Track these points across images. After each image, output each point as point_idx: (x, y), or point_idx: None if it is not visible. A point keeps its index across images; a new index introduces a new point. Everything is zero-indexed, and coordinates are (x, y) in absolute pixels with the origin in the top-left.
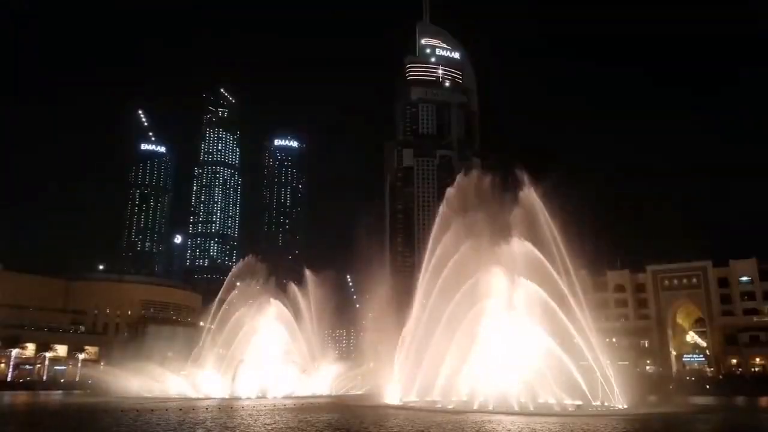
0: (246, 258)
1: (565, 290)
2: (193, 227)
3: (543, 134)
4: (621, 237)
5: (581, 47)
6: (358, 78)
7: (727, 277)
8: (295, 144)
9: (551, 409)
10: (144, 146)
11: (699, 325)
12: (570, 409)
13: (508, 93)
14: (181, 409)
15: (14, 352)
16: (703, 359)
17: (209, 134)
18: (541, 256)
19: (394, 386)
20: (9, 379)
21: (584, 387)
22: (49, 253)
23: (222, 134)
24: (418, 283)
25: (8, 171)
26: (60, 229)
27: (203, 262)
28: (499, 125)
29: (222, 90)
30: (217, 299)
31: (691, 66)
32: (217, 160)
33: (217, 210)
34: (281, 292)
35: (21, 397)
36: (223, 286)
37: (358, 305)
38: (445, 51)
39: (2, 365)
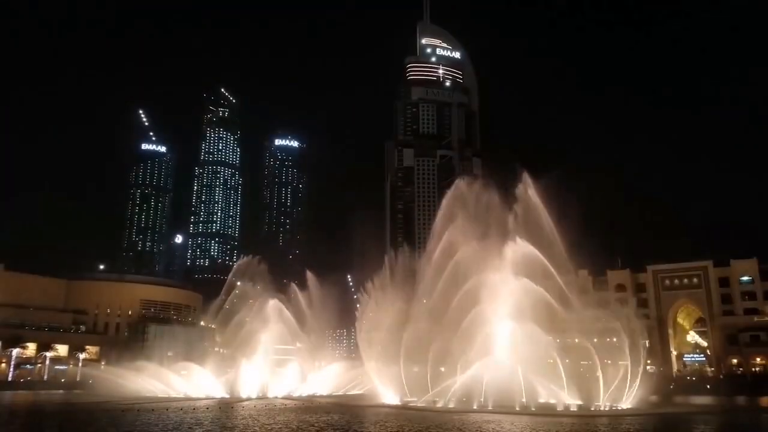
0: (245, 258)
1: (566, 290)
2: (194, 227)
3: (543, 134)
4: (622, 237)
5: (581, 47)
6: (359, 78)
7: (728, 277)
8: (295, 144)
9: (552, 409)
10: (145, 146)
11: (700, 324)
12: (572, 409)
13: (508, 93)
14: (181, 409)
15: (15, 351)
16: (704, 359)
17: (210, 134)
18: (542, 256)
19: (395, 386)
20: (10, 378)
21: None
22: (50, 253)
23: (222, 134)
24: (417, 279)
25: (9, 171)
26: (61, 229)
27: (204, 262)
28: (500, 125)
29: (222, 90)
30: (218, 299)
31: (693, 65)
32: (217, 159)
33: (217, 210)
34: (281, 292)
35: (22, 396)
36: (224, 287)
37: (358, 305)
38: (445, 51)
39: (3, 365)
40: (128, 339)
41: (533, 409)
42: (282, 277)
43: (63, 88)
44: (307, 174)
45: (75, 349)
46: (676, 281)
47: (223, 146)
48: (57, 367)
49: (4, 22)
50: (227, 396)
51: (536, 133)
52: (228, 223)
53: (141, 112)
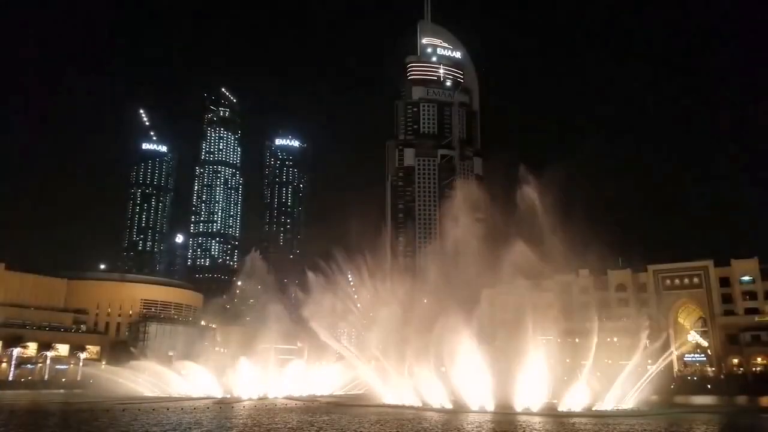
0: (253, 252)
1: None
2: (195, 226)
3: (544, 134)
4: (622, 236)
5: (582, 47)
6: (360, 77)
7: (729, 277)
8: (296, 143)
9: (553, 410)
10: (145, 146)
11: (700, 324)
12: (572, 409)
13: (509, 92)
14: (182, 409)
15: (16, 351)
16: (705, 359)
17: (210, 134)
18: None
19: (395, 386)
20: (11, 378)
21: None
22: (51, 253)
23: (223, 134)
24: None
25: (10, 171)
26: (61, 229)
27: (204, 262)
28: (500, 125)
29: (223, 89)
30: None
31: (695, 64)
32: (218, 159)
33: (218, 209)
34: (282, 291)
35: (23, 396)
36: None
37: (358, 305)
38: (446, 50)
39: (4, 365)
40: (129, 339)
41: (534, 410)
42: (282, 276)
43: (64, 88)
44: (307, 173)
45: (76, 348)
46: (677, 281)
47: (223, 146)
48: (58, 366)
49: (5, 21)
50: (228, 396)
51: (537, 133)
52: (229, 222)
53: (142, 111)
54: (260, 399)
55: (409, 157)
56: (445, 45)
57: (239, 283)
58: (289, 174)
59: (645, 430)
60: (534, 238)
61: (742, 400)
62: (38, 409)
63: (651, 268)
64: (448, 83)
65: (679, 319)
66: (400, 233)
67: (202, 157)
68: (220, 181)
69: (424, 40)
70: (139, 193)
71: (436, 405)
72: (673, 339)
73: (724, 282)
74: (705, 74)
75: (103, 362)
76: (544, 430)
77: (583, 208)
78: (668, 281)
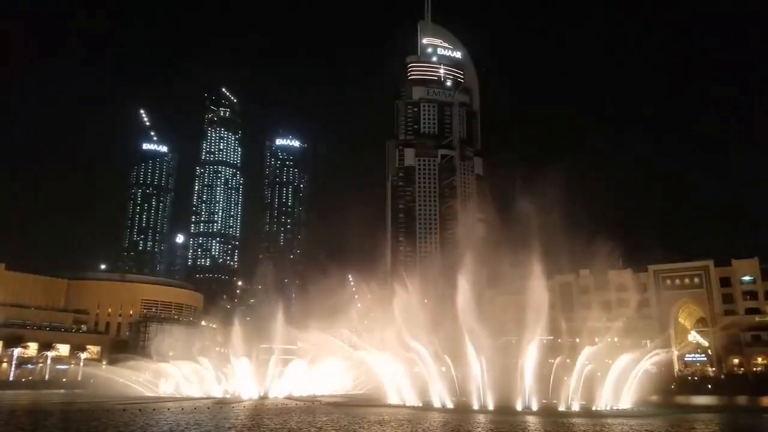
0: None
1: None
2: (195, 227)
3: (544, 134)
4: (623, 237)
5: (583, 46)
6: (360, 77)
7: (729, 277)
8: (296, 143)
9: (554, 409)
10: (146, 146)
11: (701, 324)
12: (573, 408)
13: (509, 92)
14: (182, 409)
15: (17, 351)
16: (705, 359)
17: (211, 134)
18: None
19: (396, 386)
20: (11, 378)
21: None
22: (51, 253)
23: (223, 134)
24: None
25: (10, 171)
26: (62, 229)
27: (205, 262)
28: (501, 125)
29: (223, 89)
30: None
31: (696, 62)
32: (218, 159)
33: (218, 209)
34: (282, 291)
35: (23, 396)
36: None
37: (359, 304)
38: (446, 50)
39: (5, 365)
40: (129, 339)
41: (535, 409)
42: (283, 276)
43: (64, 88)
44: (308, 173)
45: (76, 348)
46: (678, 281)
47: (224, 146)
48: (58, 366)
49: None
50: (228, 396)
51: (537, 133)
52: (229, 222)
53: (142, 111)
54: (261, 399)
55: (410, 157)
56: (446, 45)
57: (240, 283)
58: (290, 174)
59: (646, 430)
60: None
61: (742, 400)
62: (38, 409)
63: (651, 268)
64: (449, 83)
65: (679, 319)
66: (400, 233)
67: (203, 157)
68: (220, 181)
69: (425, 40)
70: (139, 193)
71: (438, 404)
72: (674, 339)
73: (725, 282)
74: (705, 73)
75: (104, 362)
76: (544, 430)
77: (584, 208)
78: (669, 281)
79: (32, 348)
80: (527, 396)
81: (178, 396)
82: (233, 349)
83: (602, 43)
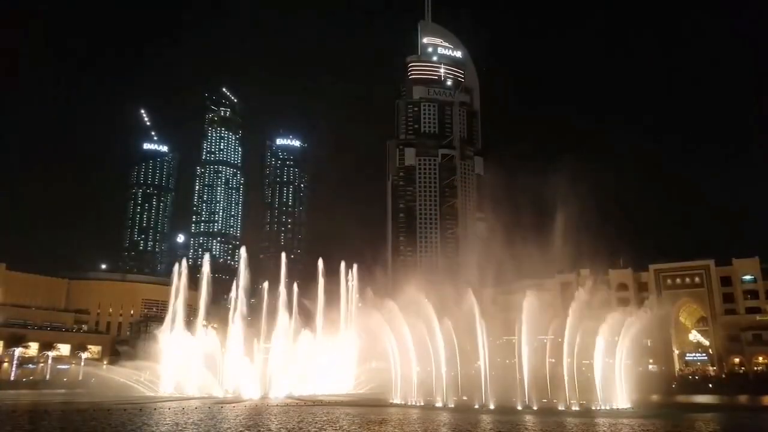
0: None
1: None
2: (196, 226)
3: (545, 134)
4: (624, 236)
5: (583, 46)
6: (360, 77)
7: (730, 276)
8: (296, 143)
9: (554, 409)
10: (146, 145)
11: (702, 323)
12: (574, 408)
13: (510, 92)
14: (183, 409)
15: (18, 351)
16: (706, 358)
17: (211, 133)
18: None
19: (397, 386)
20: (12, 378)
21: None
22: (52, 253)
23: (224, 133)
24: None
25: (11, 171)
26: (62, 229)
27: None
28: (501, 124)
29: (224, 89)
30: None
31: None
32: (219, 159)
33: (219, 209)
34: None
35: (24, 396)
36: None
37: (360, 304)
38: (447, 50)
39: (6, 364)
40: (130, 338)
41: (535, 408)
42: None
43: (64, 88)
44: (308, 173)
45: (77, 348)
46: (678, 280)
47: (224, 146)
48: (59, 366)
49: (5, 21)
50: (228, 395)
51: (537, 133)
52: (230, 222)
53: (143, 111)
54: (261, 399)
55: (410, 156)
56: (446, 44)
57: (240, 282)
58: (290, 174)
59: (646, 429)
60: (534, 238)
61: (743, 399)
62: (39, 409)
63: (652, 267)
64: (449, 83)
65: (680, 319)
66: (401, 233)
67: (203, 157)
68: (221, 181)
69: (425, 40)
70: (140, 193)
71: (439, 404)
72: (674, 338)
73: (726, 281)
74: (705, 73)
75: (105, 362)
76: (544, 430)
77: (584, 208)
78: (669, 280)
79: (33, 348)
80: (527, 395)
81: (178, 396)
82: (233, 349)
83: (602, 43)
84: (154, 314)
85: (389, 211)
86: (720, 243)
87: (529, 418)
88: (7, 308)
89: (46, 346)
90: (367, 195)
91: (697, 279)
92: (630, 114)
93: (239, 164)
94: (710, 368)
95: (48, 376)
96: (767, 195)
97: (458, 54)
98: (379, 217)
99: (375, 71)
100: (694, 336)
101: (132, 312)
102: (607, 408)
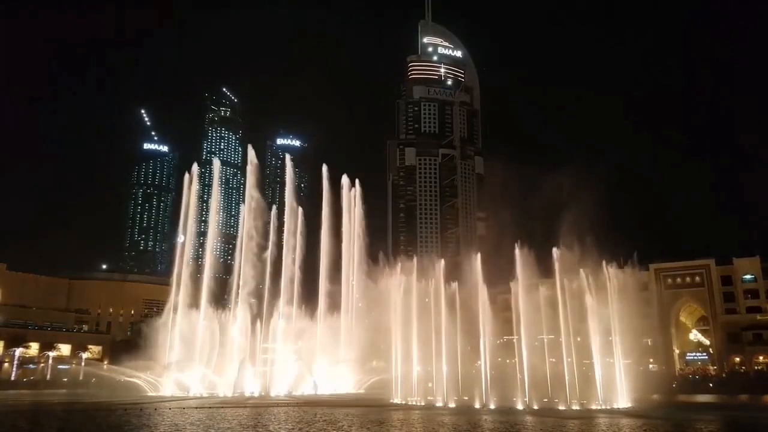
0: None
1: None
2: (196, 226)
3: (545, 133)
4: (624, 235)
5: (584, 45)
6: (360, 76)
7: (731, 275)
8: (297, 143)
9: (555, 409)
10: (146, 145)
11: (702, 323)
12: (574, 408)
13: (510, 91)
14: (183, 409)
15: (18, 351)
16: (707, 357)
17: (211, 133)
18: None
19: (397, 385)
20: (13, 378)
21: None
22: (53, 253)
23: (224, 133)
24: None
25: (11, 171)
26: (63, 229)
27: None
28: (501, 124)
29: (224, 89)
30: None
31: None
32: (219, 159)
33: (219, 209)
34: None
35: (25, 396)
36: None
37: (360, 304)
38: (447, 50)
39: (6, 364)
40: (131, 338)
41: (536, 408)
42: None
43: (65, 89)
44: (308, 173)
45: (78, 348)
46: (679, 280)
47: (224, 145)
48: (60, 366)
49: (4, 22)
50: (229, 395)
51: (537, 133)
52: (230, 222)
53: (143, 111)
54: (261, 398)
55: (410, 156)
56: (446, 44)
57: (241, 282)
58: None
59: (647, 429)
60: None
61: (744, 398)
62: (40, 409)
63: (652, 266)
64: (449, 82)
65: (680, 318)
66: (401, 233)
67: (204, 156)
68: (221, 181)
69: (425, 40)
70: (140, 193)
71: (439, 404)
72: (675, 338)
73: (726, 281)
74: (704, 73)
75: (105, 362)
76: (544, 429)
77: (584, 207)
78: (670, 280)
79: (34, 348)
80: (528, 395)
81: (179, 396)
82: (234, 349)
83: (604, 42)
84: (155, 314)
85: (389, 211)
86: (720, 242)
87: (529, 418)
88: (7, 308)
89: (46, 346)
90: (367, 195)
91: (697, 278)
92: (630, 113)
93: (239, 164)
94: (711, 368)
95: (48, 376)
96: (767, 194)
97: (458, 54)
98: (380, 216)
99: (375, 71)
100: (695, 335)
101: (132, 312)
102: (608, 407)
